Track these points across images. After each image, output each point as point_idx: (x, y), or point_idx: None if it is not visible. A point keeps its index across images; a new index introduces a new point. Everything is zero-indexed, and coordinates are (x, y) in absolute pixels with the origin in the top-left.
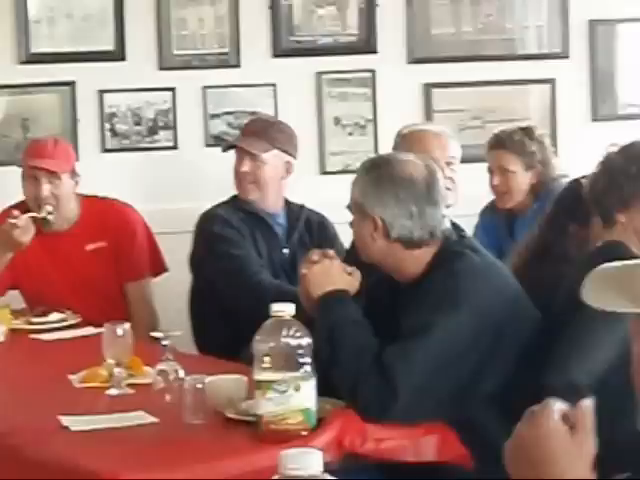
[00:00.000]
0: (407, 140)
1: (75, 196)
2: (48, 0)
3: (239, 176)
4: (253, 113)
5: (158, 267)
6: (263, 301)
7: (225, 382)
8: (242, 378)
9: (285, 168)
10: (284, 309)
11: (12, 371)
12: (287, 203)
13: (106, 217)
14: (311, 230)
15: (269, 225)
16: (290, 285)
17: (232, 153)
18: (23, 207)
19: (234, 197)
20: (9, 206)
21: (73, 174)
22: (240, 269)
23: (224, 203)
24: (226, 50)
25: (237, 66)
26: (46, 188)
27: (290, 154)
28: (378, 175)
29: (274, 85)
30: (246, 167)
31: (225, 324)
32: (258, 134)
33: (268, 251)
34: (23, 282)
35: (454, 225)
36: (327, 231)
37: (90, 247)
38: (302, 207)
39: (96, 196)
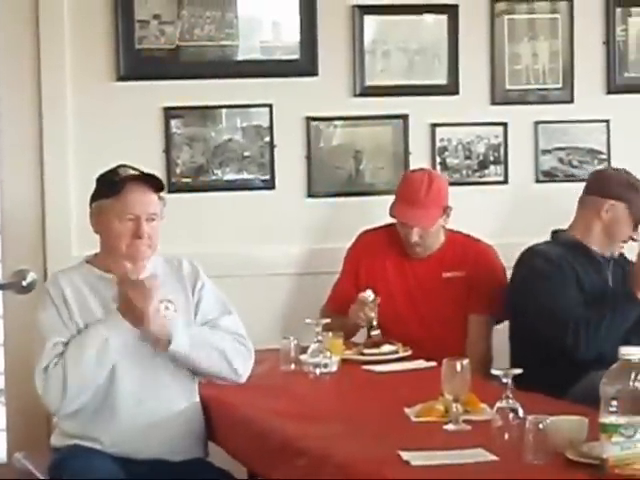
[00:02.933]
0: None
1: (442, 229)
2: (383, 34)
3: None
4: (585, 149)
5: (502, 314)
6: (580, 339)
7: (567, 423)
8: (584, 420)
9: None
10: (633, 352)
11: (346, 401)
12: None
13: (467, 250)
14: (624, 265)
15: (592, 255)
16: None
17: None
18: (385, 232)
19: (553, 233)
20: (365, 230)
21: (444, 211)
22: (556, 307)
23: (545, 242)
24: (559, 85)
25: (570, 102)
26: (416, 233)
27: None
28: None
29: (607, 121)
30: None
31: (544, 362)
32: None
33: (593, 280)
34: None
35: None
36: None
37: (447, 275)
38: None
39: (461, 232)
